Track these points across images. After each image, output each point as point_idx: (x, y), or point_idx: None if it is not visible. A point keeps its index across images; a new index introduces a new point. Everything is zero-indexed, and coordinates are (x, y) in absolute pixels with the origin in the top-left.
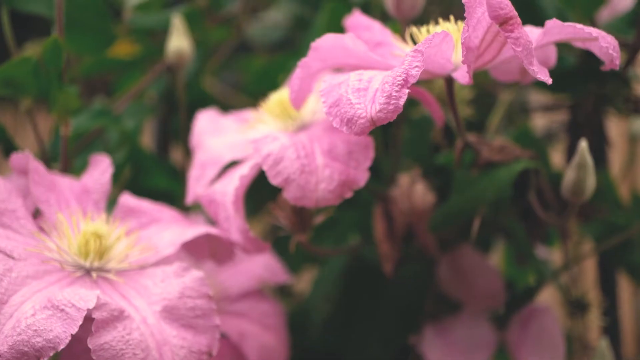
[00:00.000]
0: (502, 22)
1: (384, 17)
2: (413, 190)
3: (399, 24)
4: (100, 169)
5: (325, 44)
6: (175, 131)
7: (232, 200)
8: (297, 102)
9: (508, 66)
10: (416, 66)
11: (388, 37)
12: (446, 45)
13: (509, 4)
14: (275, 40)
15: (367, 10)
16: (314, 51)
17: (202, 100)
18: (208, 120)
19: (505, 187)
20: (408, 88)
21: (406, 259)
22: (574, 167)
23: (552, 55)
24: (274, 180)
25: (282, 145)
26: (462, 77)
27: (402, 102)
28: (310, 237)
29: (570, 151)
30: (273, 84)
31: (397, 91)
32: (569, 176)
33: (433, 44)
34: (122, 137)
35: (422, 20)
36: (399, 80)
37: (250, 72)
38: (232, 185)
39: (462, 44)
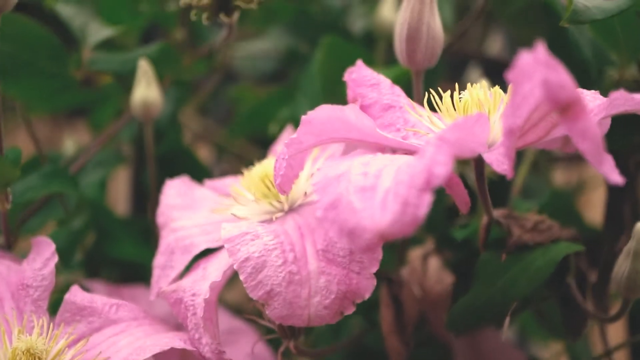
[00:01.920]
0: (563, 108)
1: (389, 50)
2: (426, 269)
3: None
4: (43, 258)
5: (320, 118)
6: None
7: (202, 310)
8: (284, 186)
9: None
10: (442, 163)
11: (400, 98)
12: (480, 128)
13: (572, 83)
14: (265, 72)
15: (370, 43)
16: (306, 126)
17: (179, 152)
18: (179, 192)
19: (541, 278)
20: (430, 191)
21: (416, 344)
22: (628, 256)
23: (607, 126)
24: (254, 293)
25: (264, 248)
26: (497, 163)
27: (422, 211)
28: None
29: (610, 209)
30: (263, 123)
31: (415, 197)
32: (622, 267)
33: (463, 128)
34: (82, 200)
35: None
36: (418, 182)
37: (239, 109)
38: (203, 288)
39: (503, 127)
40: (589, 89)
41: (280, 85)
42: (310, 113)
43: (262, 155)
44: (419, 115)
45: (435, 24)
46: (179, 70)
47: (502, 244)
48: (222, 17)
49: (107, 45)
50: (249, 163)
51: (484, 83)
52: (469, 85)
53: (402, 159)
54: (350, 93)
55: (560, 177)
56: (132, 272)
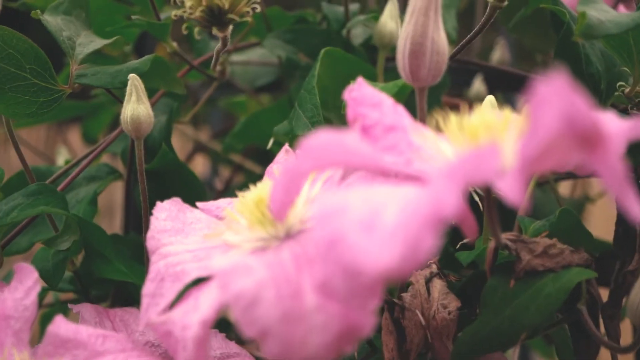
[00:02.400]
0: (584, 140)
1: (392, 61)
2: (430, 293)
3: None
4: (25, 287)
5: (319, 144)
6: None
7: (193, 346)
8: (280, 213)
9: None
10: (451, 197)
11: (403, 119)
12: (492, 159)
13: (594, 115)
14: (262, 82)
15: (371, 51)
16: (304, 152)
17: (174, 166)
18: (169, 215)
19: (553, 306)
20: (438, 229)
21: None
22: None
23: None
24: (247, 331)
25: (258, 282)
26: (509, 191)
27: (428, 250)
28: None
29: (620, 226)
30: (259, 135)
31: (421, 235)
32: (638, 295)
33: (473, 161)
34: (70, 220)
35: None
36: (425, 219)
37: (236, 117)
38: (194, 320)
39: (519, 157)
40: (598, 101)
41: (278, 95)
42: (309, 138)
43: (260, 163)
44: (424, 137)
45: (440, 38)
46: (172, 82)
47: (509, 268)
48: (215, 31)
49: (98, 56)
50: (247, 172)
51: (491, 100)
52: (476, 105)
53: (406, 191)
54: (350, 112)
55: (563, 189)
56: (125, 291)
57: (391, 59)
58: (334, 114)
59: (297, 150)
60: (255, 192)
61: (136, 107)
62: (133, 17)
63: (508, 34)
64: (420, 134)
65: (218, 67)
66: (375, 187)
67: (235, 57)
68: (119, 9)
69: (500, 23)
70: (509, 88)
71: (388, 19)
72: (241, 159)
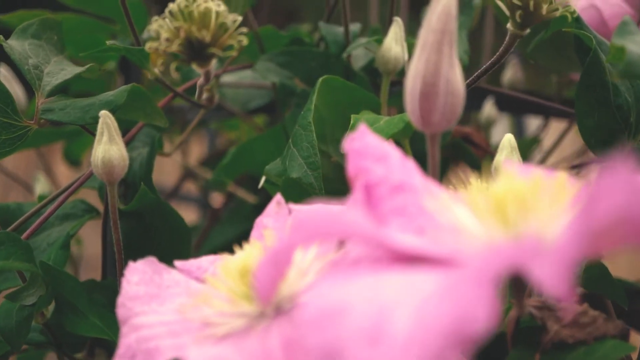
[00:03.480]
0: None
1: (395, 84)
2: None
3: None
4: None
5: (314, 220)
6: None
7: None
8: (267, 295)
9: None
10: (481, 313)
11: (412, 177)
12: (533, 252)
13: None
14: (254, 105)
15: (373, 74)
16: (296, 229)
17: (155, 206)
18: (143, 279)
19: None
20: (465, 345)
21: None
22: None
23: None
24: None
25: None
26: (549, 282)
27: None
28: None
29: None
30: (251, 165)
31: (441, 350)
32: None
33: (509, 255)
34: (35, 274)
35: None
36: (446, 329)
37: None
38: None
39: (568, 243)
40: (627, 135)
41: (273, 118)
42: (302, 213)
43: (254, 191)
44: (438, 201)
45: (456, 78)
46: (153, 114)
47: (534, 335)
48: (196, 67)
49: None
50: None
51: (511, 141)
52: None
53: (421, 282)
54: (351, 167)
55: None
56: (103, 341)
57: (396, 82)
58: (332, 148)
59: (290, 226)
60: (240, 258)
61: (108, 148)
62: (108, 42)
63: (525, 58)
64: (433, 197)
65: (205, 94)
66: (383, 276)
67: (226, 78)
68: (100, 27)
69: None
70: (520, 110)
71: (393, 42)
72: (233, 187)
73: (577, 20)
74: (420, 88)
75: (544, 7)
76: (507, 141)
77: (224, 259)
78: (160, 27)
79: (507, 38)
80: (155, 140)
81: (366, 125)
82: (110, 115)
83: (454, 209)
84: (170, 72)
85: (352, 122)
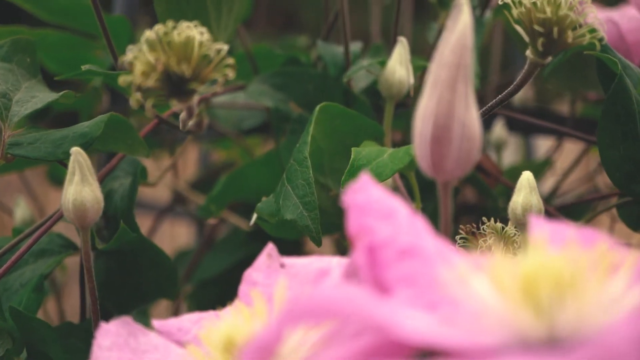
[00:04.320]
0: None
1: (399, 106)
2: None
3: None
4: None
5: (306, 302)
6: None
7: None
8: None
9: None
10: None
11: (423, 239)
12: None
13: None
14: (249, 125)
15: (375, 96)
16: (287, 313)
17: (138, 245)
18: (116, 342)
19: None
20: None
21: None
22: None
23: None
24: None
25: None
26: None
27: None
28: None
29: None
30: (246, 192)
31: None
32: None
33: None
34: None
35: None
36: None
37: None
38: None
39: None
40: None
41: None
42: (295, 301)
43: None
44: (453, 271)
45: (472, 120)
46: (134, 145)
47: None
48: (175, 104)
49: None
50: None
51: (530, 180)
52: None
53: None
54: (353, 224)
55: None
56: None
57: (400, 104)
58: (331, 179)
59: (282, 311)
60: (225, 328)
61: (80, 190)
62: (83, 67)
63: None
64: (448, 266)
65: (193, 120)
66: None
67: (217, 98)
68: (82, 44)
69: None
70: (532, 130)
71: (397, 64)
72: (227, 212)
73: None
74: (432, 131)
75: (570, 34)
76: (525, 180)
77: (207, 322)
78: (135, 59)
79: (526, 66)
80: (139, 170)
81: (369, 173)
82: (82, 152)
83: (473, 283)
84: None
85: (353, 156)
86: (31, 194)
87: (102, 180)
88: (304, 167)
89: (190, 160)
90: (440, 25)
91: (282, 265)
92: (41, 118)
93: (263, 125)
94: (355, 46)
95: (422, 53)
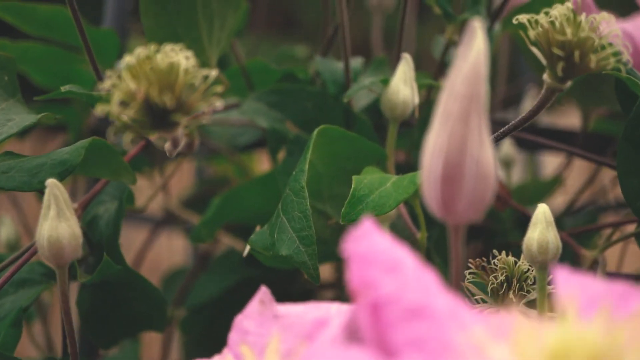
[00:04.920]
0: None
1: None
2: None
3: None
4: None
5: None
6: None
7: None
8: None
9: None
10: None
11: (433, 296)
12: None
13: None
14: (244, 142)
15: (377, 114)
16: None
17: (124, 276)
18: None
19: None
20: None
21: None
22: None
23: None
24: None
25: None
26: None
27: None
28: None
29: None
30: (241, 214)
31: None
32: None
33: None
34: None
35: None
36: None
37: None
38: None
39: None
40: None
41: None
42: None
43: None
44: (467, 335)
45: (487, 157)
46: (119, 170)
47: None
48: (155, 139)
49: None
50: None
51: (546, 213)
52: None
53: None
54: (355, 277)
55: None
56: None
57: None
58: (330, 206)
59: None
60: None
61: (56, 226)
62: (63, 88)
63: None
64: (462, 329)
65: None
66: None
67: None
68: (67, 57)
69: (536, 73)
70: (541, 148)
71: (401, 83)
72: (220, 232)
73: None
74: (443, 170)
75: (593, 58)
76: (541, 215)
77: None
78: (114, 87)
79: (543, 91)
80: (125, 194)
81: (373, 219)
82: (58, 184)
83: (492, 352)
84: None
85: (354, 185)
86: (19, 211)
87: (87, 205)
88: (300, 198)
89: (185, 172)
90: (447, 40)
91: (276, 317)
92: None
93: (259, 141)
94: (356, 62)
95: (426, 57)
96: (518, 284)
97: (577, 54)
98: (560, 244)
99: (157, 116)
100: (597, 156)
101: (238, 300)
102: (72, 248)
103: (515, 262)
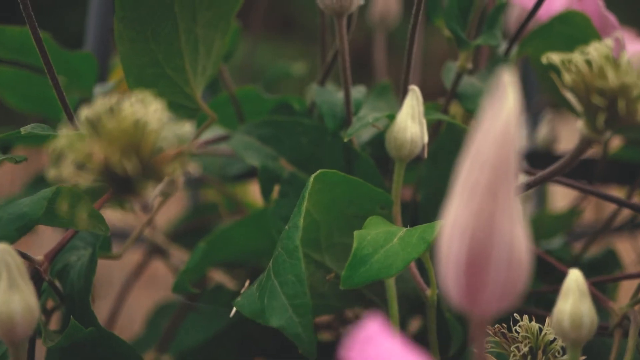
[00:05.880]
0: None
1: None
2: None
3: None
4: None
5: None
6: None
7: None
8: None
9: None
10: None
11: None
12: None
13: None
14: (236, 172)
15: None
16: None
17: (96, 337)
18: None
19: None
20: None
21: None
22: None
23: None
24: None
25: None
26: None
27: None
28: None
29: None
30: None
31: None
32: None
33: None
34: None
35: None
36: None
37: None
38: None
39: None
40: None
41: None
42: None
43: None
44: None
45: (519, 239)
46: (89, 219)
47: None
48: (118, 207)
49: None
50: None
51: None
52: None
53: None
54: None
55: None
56: None
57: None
58: (329, 256)
59: None
60: None
61: (7, 299)
62: (23, 129)
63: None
64: None
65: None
66: None
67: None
68: (41, 82)
69: (551, 95)
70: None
71: (408, 119)
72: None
73: None
74: (467, 255)
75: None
76: (573, 283)
77: None
78: (68, 146)
79: (577, 143)
80: (100, 240)
81: (376, 265)
82: (11, 251)
83: None
84: None
85: (355, 243)
86: None
87: (54, 256)
88: (294, 259)
89: (177, 196)
90: (460, 68)
91: None
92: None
93: (250, 171)
94: (358, 92)
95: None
96: (544, 357)
97: (621, 104)
98: (595, 318)
99: (118, 182)
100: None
101: (227, 345)
102: (26, 323)
103: (541, 330)
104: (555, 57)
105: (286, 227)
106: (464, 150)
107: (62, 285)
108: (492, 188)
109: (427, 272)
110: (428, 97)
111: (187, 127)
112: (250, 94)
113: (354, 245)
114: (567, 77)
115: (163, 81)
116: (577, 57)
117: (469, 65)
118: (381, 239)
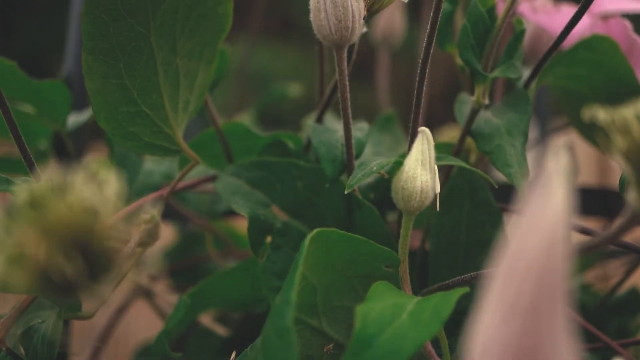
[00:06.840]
0: None
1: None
2: None
3: None
4: None
5: None
6: None
7: None
8: None
9: None
10: None
11: None
12: None
13: None
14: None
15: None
16: None
17: None
18: None
19: None
20: None
21: None
22: None
23: None
24: None
25: None
26: None
27: None
28: None
29: None
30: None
31: None
32: None
33: None
34: None
35: None
36: None
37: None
38: None
39: None
40: None
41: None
42: None
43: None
44: None
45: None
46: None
47: None
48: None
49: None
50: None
51: None
52: None
53: None
54: None
55: None
56: None
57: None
58: (326, 322)
59: None
60: None
61: None
62: None
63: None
64: None
65: (143, 226)
66: None
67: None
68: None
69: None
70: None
71: (418, 166)
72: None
73: None
74: None
75: None
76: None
77: None
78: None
79: (628, 215)
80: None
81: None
82: None
83: None
84: None
85: (359, 322)
86: None
87: (13, 324)
88: (285, 342)
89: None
90: (476, 104)
91: None
92: None
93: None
94: (361, 130)
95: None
96: None
97: None
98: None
99: (56, 287)
100: None
101: None
102: None
103: None
104: (600, 114)
105: (277, 298)
106: (499, 250)
107: (26, 350)
108: (536, 308)
109: (441, 347)
110: (430, 98)
111: (148, 220)
112: (238, 129)
113: (357, 324)
114: (621, 142)
115: (139, 120)
116: (629, 113)
117: (486, 101)
118: (388, 314)
